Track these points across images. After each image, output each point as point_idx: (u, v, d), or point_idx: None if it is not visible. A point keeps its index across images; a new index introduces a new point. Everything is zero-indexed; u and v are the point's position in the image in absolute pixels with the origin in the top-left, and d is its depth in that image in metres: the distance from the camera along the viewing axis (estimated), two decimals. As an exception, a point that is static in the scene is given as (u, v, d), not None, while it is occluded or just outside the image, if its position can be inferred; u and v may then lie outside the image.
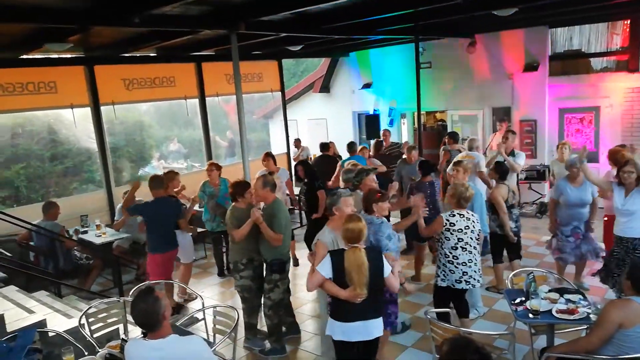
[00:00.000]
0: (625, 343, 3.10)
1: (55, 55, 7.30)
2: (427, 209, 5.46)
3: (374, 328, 3.50)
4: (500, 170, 5.74)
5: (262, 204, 4.92)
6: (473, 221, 4.50)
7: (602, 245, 5.80)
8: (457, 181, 5.03)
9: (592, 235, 5.60)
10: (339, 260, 3.36)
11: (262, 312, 4.97)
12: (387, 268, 3.44)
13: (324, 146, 8.64)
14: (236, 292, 5.06)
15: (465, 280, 4.46)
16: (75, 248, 6.72)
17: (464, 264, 4.44)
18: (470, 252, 4.48)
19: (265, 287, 4.82)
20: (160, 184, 5.62)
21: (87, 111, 7.84)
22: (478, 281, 4.54)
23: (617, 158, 5.55)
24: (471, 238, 4.48)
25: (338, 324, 3.47)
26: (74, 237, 6.71)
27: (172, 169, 7.77)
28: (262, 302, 4.93)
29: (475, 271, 4.49)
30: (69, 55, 7.52)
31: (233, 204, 4.88)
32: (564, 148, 6.73)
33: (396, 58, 11.25)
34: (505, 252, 5.82)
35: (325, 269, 3.40)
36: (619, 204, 4.73)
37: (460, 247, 4.44)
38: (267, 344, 4.94)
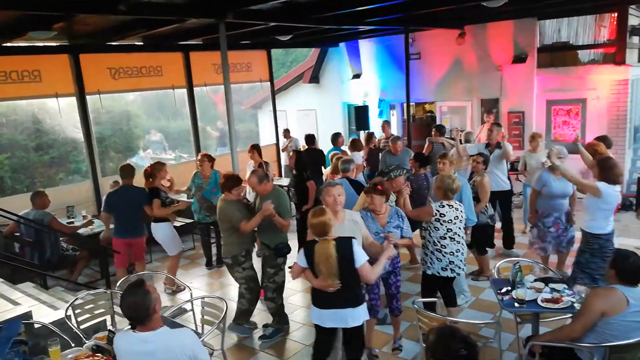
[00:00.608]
0: (607, 331, 3.16)
1: (39, 44, 7.16)
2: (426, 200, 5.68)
3: (348, 317, 3.57)
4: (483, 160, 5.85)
5: (250, 194, 4.94)
6: (461, 211, 4.55)
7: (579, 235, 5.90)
8: (444, 173, 5.08)
9: (569, 225, 5.67)
10: (310, 252, 3.51)
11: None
12: (359, 258, 3.47)
13: (311, 139, 8.58)
14: (226, 284, 5.08)
15: (450, 269, 4.52)
16: (62, 239, 6.65)
17: (451, 253, 4.49)
18: (458, 242, 4.53)
19: (269, 272, 4.92)
20: (129, 173, 5.77)
21: (73, 100, 7.73)
22: (462, 269, 4.63)
23: (595, 151, 5.62)
24: (459, 228, 4.54)
25: (315, 309, 3.68)
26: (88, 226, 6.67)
27: (160, 159, 7.70)
28: (265, 286, 5.02)
29: (461, 260, 4.56)
30: (53, 44, 7.39)
31: (224, 196, 4.86)
32: (536, 140, 6.89)
33: (386, 49, 11.23)
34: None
35: (301, 260, 3.61)
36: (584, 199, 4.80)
37: (449, 237, 4.49)
38: (259, 332, 5.02)
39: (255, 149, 7.55)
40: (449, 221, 4.46)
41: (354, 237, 3.58)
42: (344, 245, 3.47)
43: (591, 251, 4.76)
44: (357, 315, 3.60)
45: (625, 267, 3.19)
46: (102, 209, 6.17)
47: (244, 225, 4.70)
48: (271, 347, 4.88)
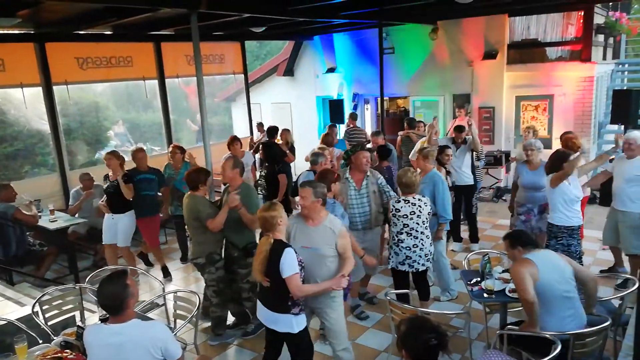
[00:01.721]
0: (544, 297, 3.35)
1: (2, 31, 6.89)
2: None
3: (277, 321, 3.45)
4: None
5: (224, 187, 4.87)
6: (419, 206, 4.55)
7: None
8: (420, 167, 5.15)
9: (544, 215, 5.81)
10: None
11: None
12: (285, 269, 3.26)
13: (272, 132, 8.45)
14: (200, 278, 5.00)
15: (408, 264, 4.61)
16: (28, 234, 6.47)
17: (407, 248, 4.58)
18: (416, 237, 4.57)
19: (241, 273, 4.77)
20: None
21: (39, 91, 7.48)
22: (423, 265, 4.65)
23: (574, 143, 5.79)
24: (417, 223, 4.55)
25: (258, 302, 3.61)
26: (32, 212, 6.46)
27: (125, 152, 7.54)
28: (240, 287, 4.87)
29: (420, 256, 4.60)
30: (17, 31, 7.12)
31: (191, 193, 4.65)
32: (528, 132, 6.94)
33: (360, 43, 11.26)
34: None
35: None
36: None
37: (406, 232, 4.57)
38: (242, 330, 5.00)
39: (237, 140, 7.42)
40: (404, 216, 4.54)
41: (289, 246, 3.38)
42: (278, 249, 3.31)
43: (560, 246, 4.91)
44: (286, 323, 3.43)
45: (519, 238, 3.59)
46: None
47: (210, 222, 4.46)
48: (244, 341, 4.88)
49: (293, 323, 3.43)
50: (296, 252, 3.37)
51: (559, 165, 4.70)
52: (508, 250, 3.68)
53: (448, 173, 6.13)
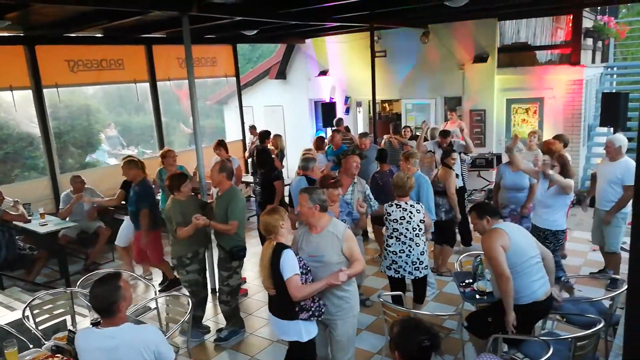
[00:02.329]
0: (517, 261, 3.48)
1: (-9, 34, 6.85)
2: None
3: (287, 329, 3.41)
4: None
5: (213, 190, 4.87)
6: (410, 212, 4.51)
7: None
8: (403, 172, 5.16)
9: (527, 217, 5.84)
10: None
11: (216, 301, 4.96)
12: (285, 270, 3.22)
13: (264, 136, 8.42)
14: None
15: (394, 269, 4.59)
16: (18, 238, 6.40)
17: (394, 252, 4.56)
18: (404, 243, 4.53)
19: (222, 275, 4.79)
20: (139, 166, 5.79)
21: (29, 94, 7.40)
22: (410, 273, 4.56)
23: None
24: (407, 229, 4.51)
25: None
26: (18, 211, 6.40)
27: (118, 155, 7.49)
28: (218, 289, 4.92)
29: (406, 262, 4.54)
30: (6, 34, 7.06)
31: (172, 197, 4.78)
32: (532, 137, 6.85)
33: (352, 46, 11.30)
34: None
35: None
36: (539, 195, 5.03)
37: (395, 236, 4.55)
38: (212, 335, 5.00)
39: (222, 145, 7.45)
40: (394, 220, 4.54)
41: (288, 247, 3.34)
42: (277, 252, 3.27)
43: (558, 248, 5.02)
44: (295, 330, 3.37)
45: (486, 208, 3.73)
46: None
47: (178, 230, 4.59)
48: (238, 344, 4.86)
49: (302, 331, 3.37)
50: (301, 259, 3.36)
51: (568, 169, 4.86)
52: (476, 222, 3.73)
53: (457, 176, 6.18)
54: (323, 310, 3.42)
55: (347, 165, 5.06)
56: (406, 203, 4.55)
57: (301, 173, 5.69)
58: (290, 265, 3.24)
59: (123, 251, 6.48)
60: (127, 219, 6.21)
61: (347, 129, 9.41)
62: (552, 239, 4.92)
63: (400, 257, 4.55)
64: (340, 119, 9.61)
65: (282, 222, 3.35)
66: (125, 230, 6.29)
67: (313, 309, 3.36)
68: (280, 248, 3.29)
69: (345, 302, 3.52)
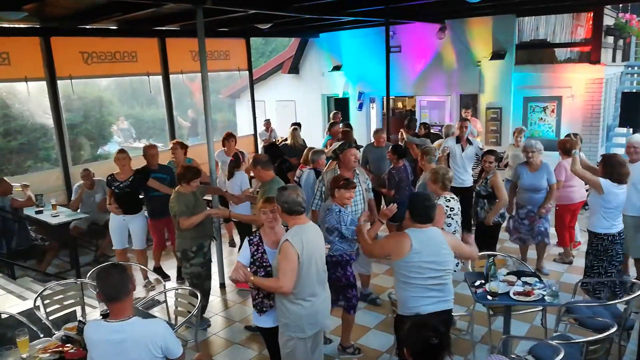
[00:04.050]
0: (399, 270, 3.31)
1: (7, 25, 6.88)
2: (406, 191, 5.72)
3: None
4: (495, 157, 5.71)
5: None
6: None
7: (553, 231, 5.99)
8: (437, 166, 5.00)
9: (545, 219, 5.72)
10: None
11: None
12: (239, 256, 3.47)
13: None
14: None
15: (459, 263, 4.41)
16: (30, 228, 6.46)
17: None
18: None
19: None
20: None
21: (43, 85, 7.46)
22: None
23: (566, 148, 5.72)
24: (457, 222, 4.46)
25: None
26: (25, 196, 6.41)
27: (130, 148, 7.50)
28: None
29: None
30: (23, 25, 7.10)
31: (177, 189, 4.77)
32: (520, 135, 6.99)
33: (367, 41, 11.20)
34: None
35: None
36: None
37: (457, 230, 4.42)
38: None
39: (231, 137, 7.39)
40: (457, 214, 4.39)
41: (252, 236, 3.52)
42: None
43: (595, 252, 4.61)
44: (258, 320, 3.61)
45: (416, 207, 3.30)
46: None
47: (182, 220, 4.59)
48: (245, 340, 4.85)
49: (255, 317, 3.63)
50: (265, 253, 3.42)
51: (614, 171, 4.39)
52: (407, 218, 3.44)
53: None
54: (265, 308, 3.50)
55: (345, 159, 4.81)
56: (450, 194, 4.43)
57: (311, 166, 5.70)
58: (242, 252, 3.47)
59: (122, 254, 6.04)
60: (116, 218, 5.82)
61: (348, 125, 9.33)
62: (596, 243, 4.63)
63: None
64: (338, 112, 9.57)
65: (262, 210, 3.47)
66: (120, 230, 5.86)
67: (256, 302, 3.53)
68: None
69: (281, 316, 3.34)
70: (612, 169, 4.42)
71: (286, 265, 3.13)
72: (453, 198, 4.44)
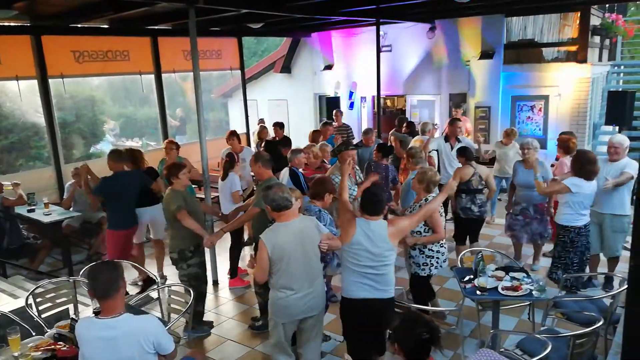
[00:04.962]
0: (343, 254, 3.54)
1: (-2, 23, 6.86)
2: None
3: None
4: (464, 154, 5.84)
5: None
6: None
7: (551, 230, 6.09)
8: (426, 167, 5.09)
9: (544, 217, 5.79)
10: None
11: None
12: None
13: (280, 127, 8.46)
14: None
15: (446, 257, 4.60)
16: (22, 227, 6.45)
17: (445, 241, 4.56)
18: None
19: None
20: (119, 157, 5.45)
21: (34, 84, 7.43)
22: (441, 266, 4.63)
23: (568, 146, 5.81)
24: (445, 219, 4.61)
25: None
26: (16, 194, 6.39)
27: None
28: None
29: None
30: (14, 24, 7.08)
31: (170, 187, 4.72)
32: (510, 134, 7.24)
33: (357, 41, 11.26)
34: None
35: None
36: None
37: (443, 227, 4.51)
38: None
39: (235, 135, 7.37)
40: (442, 214, 4.49)
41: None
42: None
43: (562, 244, 4.88)
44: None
45: (366, 201, 3.52)
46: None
47: (181, 214, 4.47)
48: (240, 336, 4.89)
49: None
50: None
51: (584, 168, 4.64)
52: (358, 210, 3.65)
53: None
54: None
55: (343, 160, 5.14)
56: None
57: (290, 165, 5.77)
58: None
59: (140, 248, 6.02)
60: (155, 210, 5.82)
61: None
62: (563, 235, 4.94)
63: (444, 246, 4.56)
64: (340, 111, 9.65)
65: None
66: (161, 219, 5.66)
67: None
68: None
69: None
70: (582, 165, 4.67)
71: (258, 259, 3.45)
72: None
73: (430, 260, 4.47)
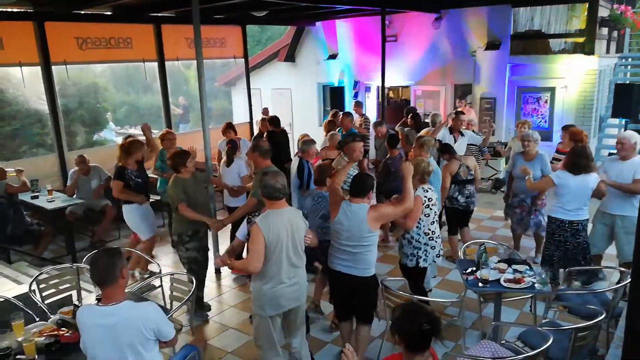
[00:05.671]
0: (331, 229, 3.85)
1: (1, 9, 6.81)
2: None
3: None
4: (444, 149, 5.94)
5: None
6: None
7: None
8: (418, 157, 5.08)
9: (541, 210, 5.80)
10: None
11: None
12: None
13: (276, 121, 8.18)
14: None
15: (440, 252, 4.51)
16: (26, 213, 6.47)
17: (438, 236, 4.46)
18: (436, 228, 4.50)
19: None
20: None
21: (37, 70, 7.41)
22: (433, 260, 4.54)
23: (582, 139, 5.76)
24: (435, 213, 4.52)
25: None
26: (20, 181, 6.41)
27: (133, 135, 7.44)
28: None
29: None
30: (17, 10, 7.04)
31: (175, 175, 4.79)
32: (523, 127, 6.90)
33: (362, 30, 11.17)
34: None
35: None
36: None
37: (435, 220, 4.47)
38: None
39: (230, 127, 7.39)
40: (434, 204, 4.45)
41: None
42: None
43: (547, 234, 5.02)
44: None
45: (353, 185, 3.78)
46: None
47: (182, 207, 4.60)
48: (241, 324, 4.91)
49: None
50: None
51: (575, 162, 4.63)
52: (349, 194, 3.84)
53: None
54: None
55: (350, 151, 5.11)
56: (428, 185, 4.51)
57: (300, 155, 5.71)
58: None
59: (152, 242, 5.95)
60: (141, 208, 5.71)
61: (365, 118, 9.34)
62: (548, 224, 5.03)
63: (439, 237, 4.51)
64: (360, 102, 9.58)
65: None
66: (150, 218, 5.82)
67: None
68: None
69: (252, 292, 3.60)
70: (577, 158, 4.63)
71: (253, 246, 3.31)
72: (430, 189, 4.47)
73: (417, 252, 4.36)
